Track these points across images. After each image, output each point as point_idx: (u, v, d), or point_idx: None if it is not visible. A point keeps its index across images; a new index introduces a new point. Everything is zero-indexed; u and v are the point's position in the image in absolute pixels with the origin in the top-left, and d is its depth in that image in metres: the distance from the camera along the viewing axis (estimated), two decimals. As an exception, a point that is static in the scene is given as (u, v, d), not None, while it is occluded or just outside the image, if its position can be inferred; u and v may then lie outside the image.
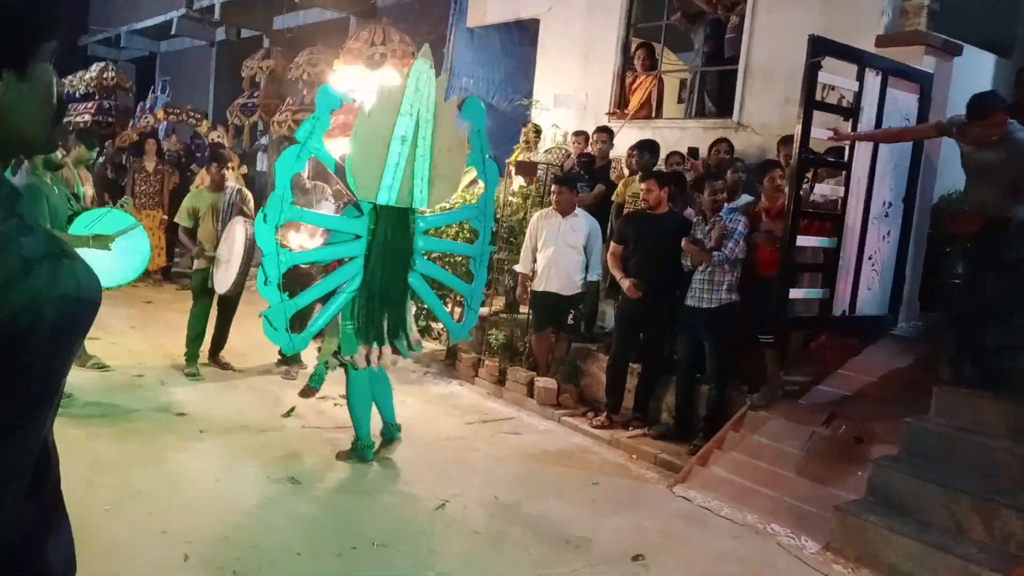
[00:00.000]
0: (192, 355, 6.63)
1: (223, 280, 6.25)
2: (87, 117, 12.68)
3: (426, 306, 5.86)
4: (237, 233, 6.16)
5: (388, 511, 4.45)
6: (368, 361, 4.80)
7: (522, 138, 8.18)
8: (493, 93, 10.10)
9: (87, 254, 5.04)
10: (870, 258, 5.75)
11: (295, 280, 5.02)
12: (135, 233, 5.51)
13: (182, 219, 6.70)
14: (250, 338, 6.65)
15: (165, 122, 12.49)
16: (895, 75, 5.58)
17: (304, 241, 5.76)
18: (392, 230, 4.68)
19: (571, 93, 8.52)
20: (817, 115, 5.27)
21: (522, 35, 9.90)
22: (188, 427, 5.37)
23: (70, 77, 13.87)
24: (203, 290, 6.58)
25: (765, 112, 6.91)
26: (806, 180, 5.30)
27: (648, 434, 5.90)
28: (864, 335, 5.94)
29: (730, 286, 5.54)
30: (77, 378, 6.05)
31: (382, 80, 4.91)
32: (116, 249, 5.17)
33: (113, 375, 6.30)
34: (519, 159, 7.71)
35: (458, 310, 6.25)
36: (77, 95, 13.59)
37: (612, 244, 6.22)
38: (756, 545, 4.48)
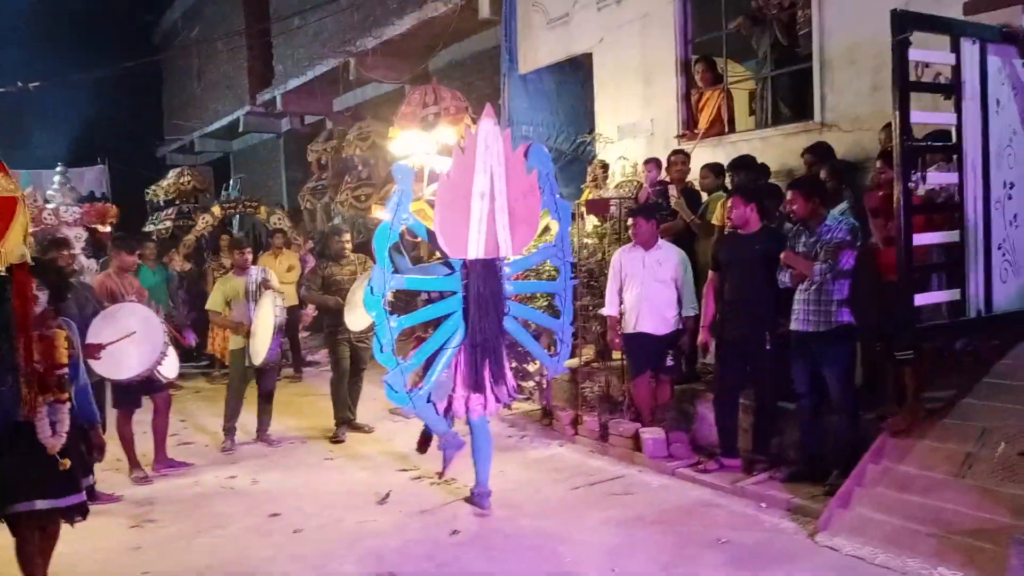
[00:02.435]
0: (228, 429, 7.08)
1: (257, 352, 6.76)
2: (168, 224, 12.97)
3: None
4: (266, 306, 6.72)
5: (497, 602, 4.01)
6: (469, 409, 5.09)
7: (589, 177, 7.80)
8: (554, 136, 9.78)
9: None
10: (999, 247, 5.06)
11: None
12: (151, 324, 5.87)
13: (213, 305, 7.11)
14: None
15: (237, 216, 12.65)
16: (994, 41, 4.96)
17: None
18: (484, 281, 4.92)
19: (635, 122, 8.12)
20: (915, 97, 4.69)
21: (576, 72, 9.59)
22: (283, 527, 5.08)
23: (152, 187, 14.32)
24: (243, 366, 6.98)
25: (852, 106, 6.33)
26: (914, 171, 4.70)
27: (775, 477, 5.30)
28: (1006, 335, 5.21)
29: (841, 303, 4.95)
30: (165, 487, 5.92)
31: (445, 141, 5.43)
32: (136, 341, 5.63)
33: (206, 479, 6.13)
34: (589, 198, 7.32)
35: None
36: (160, 203, 13.98)
37: (710, 273, 5.74)
38: (925, 596, 3.85)
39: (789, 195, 5.25)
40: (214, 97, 19.14)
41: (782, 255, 5.11)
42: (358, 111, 14.82)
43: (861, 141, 6.22)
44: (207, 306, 7.27)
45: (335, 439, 7.10)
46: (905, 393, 5.01)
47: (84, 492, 3.98)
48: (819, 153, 6.02)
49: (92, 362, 5.05)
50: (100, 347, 5.20)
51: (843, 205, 5.41)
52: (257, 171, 19.46)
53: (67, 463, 3.73)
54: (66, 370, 3.80)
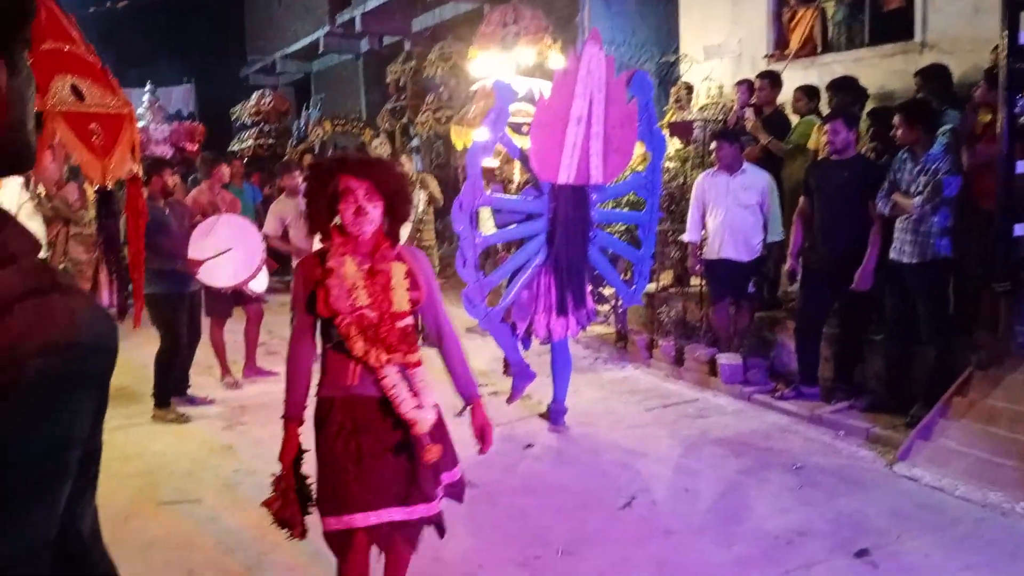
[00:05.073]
0: None
1: None
2: (250, 143, 13.27)
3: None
4: None
5: (570, 513, 4.12)
6: (550, 331, 5.11)
7: (672, 98, 7.61)
8: (636, 56, 9.52)
9: None
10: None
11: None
12: (247, 236, 5.88)
13: (269, 229, 6.51)
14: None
15: (319, 139, 12.83)
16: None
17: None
18: (572, 207, 4.89)
19: (722, 42, 7.85)
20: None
21: (661, -10, 9.29)
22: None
23: (235, 108, 14.63)
24: None
25: (952, 27, 5.99)
26: (1020, 96, 4.44)
27: (855, 406, 5.25)
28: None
29: (941, 233, 4.77)
30: (254, 393, 6.19)
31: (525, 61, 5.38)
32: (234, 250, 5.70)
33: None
34: (672, 120, 7.16)
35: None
36: (240, 124, 14.31)
37: (801, 199, 5.59)
38: (1005, 529, 3.81)
39: (829, 125, 5.15)
40: (294, 18, 19.20)
41: (894, 197, 4.92)
42: (436, 32, 14.65)
43: (963, 62, 5.90)
44: (263, 230, 6.70)
45: None
46: (998, 325, 4.85)
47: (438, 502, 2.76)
48: (929, 76, 5.67)
49: None
50: (199, 263, 5.43)
51: (945, 127, 5.15)
52: (337, 92, 19.54)
53: (434, 450, 2.60)
54: (409, 320, 2.63)
